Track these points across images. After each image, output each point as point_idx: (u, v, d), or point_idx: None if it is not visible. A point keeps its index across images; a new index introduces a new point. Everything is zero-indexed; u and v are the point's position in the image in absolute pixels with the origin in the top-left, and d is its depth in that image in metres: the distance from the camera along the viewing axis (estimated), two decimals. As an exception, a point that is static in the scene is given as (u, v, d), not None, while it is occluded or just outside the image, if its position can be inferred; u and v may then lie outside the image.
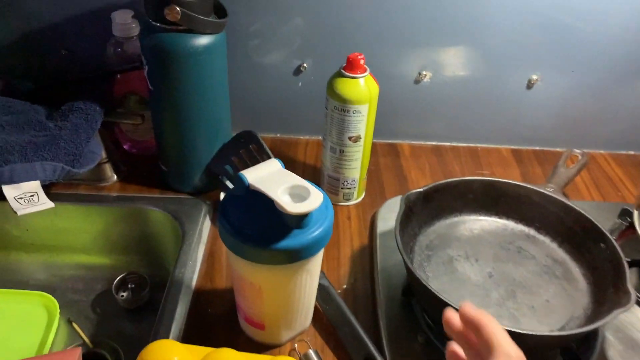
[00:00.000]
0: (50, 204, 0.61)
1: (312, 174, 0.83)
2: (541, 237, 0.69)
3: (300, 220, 0.49)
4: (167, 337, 0.59)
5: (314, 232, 0.50)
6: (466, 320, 0.43)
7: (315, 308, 0.62)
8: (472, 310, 0.43)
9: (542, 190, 0.68)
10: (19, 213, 0.58)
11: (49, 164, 0.64)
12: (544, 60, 0.83)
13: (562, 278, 0.64)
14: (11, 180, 0.60)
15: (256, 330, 0.59)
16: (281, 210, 0.47)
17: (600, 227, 0.62)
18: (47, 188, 0.74)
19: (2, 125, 0.67)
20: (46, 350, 0.69)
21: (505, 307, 0.60)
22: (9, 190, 0.60)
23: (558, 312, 0.60)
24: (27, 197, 0.61)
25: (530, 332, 0.52)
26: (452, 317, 0.46)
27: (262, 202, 0.49)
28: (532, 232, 0.70)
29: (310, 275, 0.55)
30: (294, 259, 0.50)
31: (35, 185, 0.61)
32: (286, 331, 0.60)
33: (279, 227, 0.49)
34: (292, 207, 0.47)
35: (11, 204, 0.59)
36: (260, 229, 0.49)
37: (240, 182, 0.50)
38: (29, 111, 0.72)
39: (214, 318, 0.63)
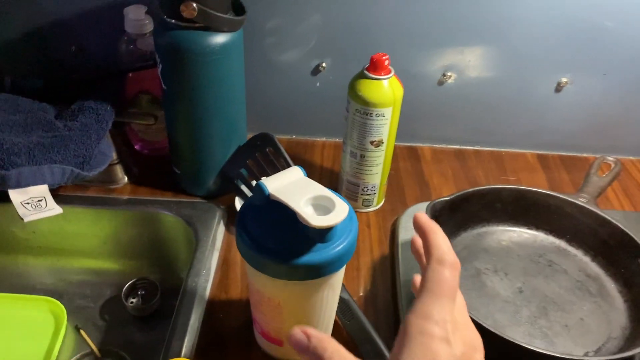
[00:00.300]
0: (58, 210, 0.58)
1: (330, 179, 0.80)
2: (573, 250, 0.66)
3: (324, 234, 0.46)
4: (180, 351, 0.57)
5: (338, 246, 0.46)
6: (417, 227, 0.41)
7: (335, 322, 0.59)
8: (424, 218, 0.41)
9: (575, 201, 0.64)
10: (25, 219, 0.55)
11: (57, 167, 0.61)
12: (574, 63, 0.80)
13: (596, 295, 0.61)
14: (18, 185, 0.57)
15: (273, 346, 0.56)
16: (304, 223, 0.44)
17: (639, 241, 0.59)
18: (56, 190, 0.71)
19: (9, 125, 0.64)
20: (53, 357, 0.66)
21: (537, 326, 0.57)
22: (15, 195, 0.57)
23: (594, 332, 0.57)
24: (35, 202, 0.58)
25: (569, 357, 0.49)
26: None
27: (282, 212, 0.46)
28: (563, 244, 0.66)
29: (333, 291, 0.52)
30: (317, 275, 0.47)
31: (43, 190, 0.59)
32: None
33: (301, 241, 0.46)
34: (315, 220, 0.43)
35: (18, 209, 0.56)
36: (281, 242, 0.46)
37: (260, 191, 0.46)
38: (37, 110, 0.70)
39: (229, 331, 0.60)
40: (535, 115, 0.85)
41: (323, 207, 0.45)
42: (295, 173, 0.49)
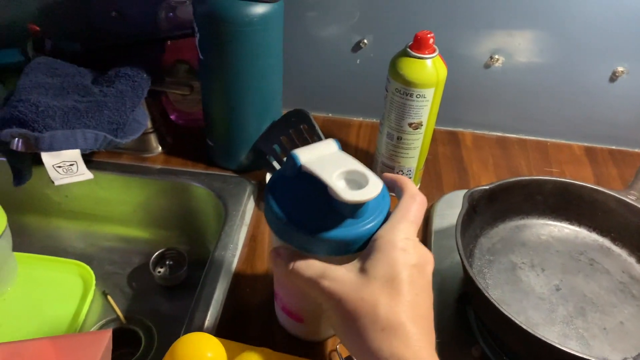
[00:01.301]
0: (89, 175, 0.58)
1: (364, 160, 0.76)
2: (617, 250, 0.62)
3: (355, 210, 0.44)
4: (203, 324, 0.56)
5: (368, 223, 0.44)
6: (387, 181, 0.47)
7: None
8: (391, 174, 0.48)
9: (623, 198, 0.61)
10: (56, 183, 0.55)
11: (90, 132, 0.61)
12: (633, 51, 0.75)
13: (639, 298, 0.57)
14: (51, 148, 0.57)
15: (293, 322, 0.55)
16: (335, 197, 0.42)
17: (691, 245, 0.55)
18: (89, 156, 0.72)
19: (45, 87, 0.64)
20: (80, 321, 0.67)
21: (573, 326, 0.54)
22: (47, 158, 0.57)
23: (634, 337, 0.53)
24: (66, 166, 0.58)
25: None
26: None
27: (314, 185, 0.44)
28: (606, 243, 0.63)
29: None
30: (345, 251, 0.45)
31: (75, 154, 0.58)
32: (326, 328, 0.55)
33: (331, 215, 0.44)
34: (347, 194, 0.41)
35: (49, 172, 0.56)
36: (311, 215, 0.44)
37: (292, 161, 0.44)
38: (74, 74, 0.69)
39: (252, 306, 0.59)
40: (585, 104, 0.81)
41: (356, 182, 0.43)
42: (329, 146, 0.47)
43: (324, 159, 0.45)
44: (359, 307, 0.39)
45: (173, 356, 0.44)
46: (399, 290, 0.39)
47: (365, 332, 0.39)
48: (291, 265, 0.44)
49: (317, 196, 0.44)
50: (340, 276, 0.41)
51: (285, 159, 0.69)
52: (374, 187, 0.42)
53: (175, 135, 0.80)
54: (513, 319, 0.47)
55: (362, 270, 0.41)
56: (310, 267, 0.43)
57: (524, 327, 0.46)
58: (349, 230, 0.44)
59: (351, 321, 0.39)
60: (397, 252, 0.41)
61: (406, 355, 0.37)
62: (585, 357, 0.45)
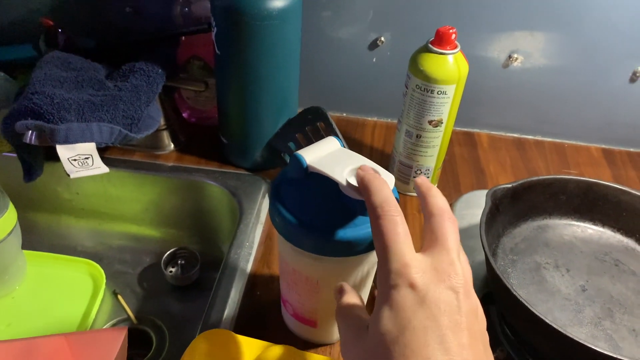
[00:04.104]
0: (105, 169, 0.57)
1: (380, 160, 0.77)
2: (643, 251, 0.61)
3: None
4: (220, 322, 0.55)
5: None
6: (417, 189, 0.39)
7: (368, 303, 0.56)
8: (423, 180, 0.39)
9: (649, 198, 0.59)
10: (72, 176, 0.54)
11: (106, 126, 0.59)
12: (654, 51, 0.74)
13: (668, 300, 0.56)
14: (66, 141, 0.56)
15: (306, 328, 0.53)
16: (348, 194, 0.40)
17: None
18: (101, 152, 0.70)
19: (60, 81, 0.63)
20: (90, 320, 0.66)
21: (602, 328, 0.53)
22: (63, 151, 0.55)
23: (664, 339, 0.52)
24: (82, 159, 0.56)
25: (638, 362, 0.45)
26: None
27: (321, 185, 0.42)
28: (631, 244, 0.61)
29: (372, 268, 0.49)
30: (360, 251, 0.44)
31: (90, 148, 0.57)
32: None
33: (342, 215, 0.42)
34: None
35: (65, 165, 0.55)
36: (322, 216, 0.43)
37: (297, 163, 0.43)
38: (88, 69, 0.68)
39: (269, 306, 0.58)
40: (604, 106, 0.80)
41: None
42: (331, 144, 0.45)
43: (329, 158, 0.43)
44: None
45: (194, 352, 0.43)
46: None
47: None
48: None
49: (326, 197, 0.43)
50: None
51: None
52: (386, 180, 0.40)
53: (187, 133, 0.79)
54: (543, 318, 0.46)
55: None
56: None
57: (556, 327, 0.45)
58: (362, 229, 0.42)
59: None
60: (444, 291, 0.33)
61: None
62: (619, 357, 0.43)
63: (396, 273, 0.32)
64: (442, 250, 0.33)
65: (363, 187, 0.37)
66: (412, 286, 0.32)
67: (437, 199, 0.37)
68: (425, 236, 0.36)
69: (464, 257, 0.35)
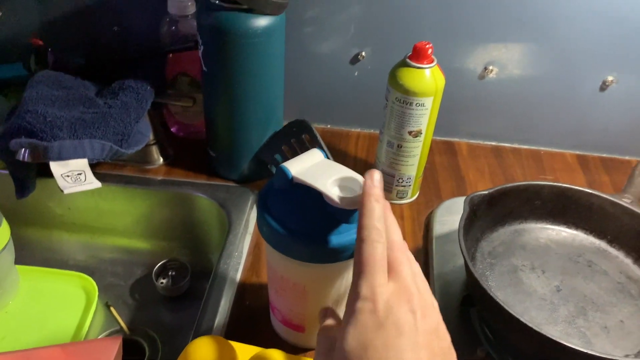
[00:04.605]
0: (97, 184, 0.59)
1: (364, 169, 0.78)
2: (614, 252, 0.64)
3: (351, 214, 0.45)
4: (211, 331, 0.57)
5: None
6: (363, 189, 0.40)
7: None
8: (372, 183, 0.40)
9: (618, 201, 0.62)
10: (65, 191, 0.56)
11: (97, 142, 0.61)
12: (622, 61, 0.77)
13: (638, 297, 0.59)
14: (59, 157, 0.58)
15: (294, 333, 0.55)
16: (332, 204, 0.43)
17: (686, 245, 0.57)
18: (92, 167, 0.72)
19: (51, 99, 0.65)
20: (83, 332, 0.67)
21: (575, 326, 0.55)
22: (56, 168, 0.57)
23: (634, 334, 0.55)
24: (75, 175, 0.58)
25: (607, 357, 0.47)
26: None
27: (305, 195, 0.45)
28: (603, 245, 0.64)
29: None
30: (345, 257, 0.46)
31: (82, 164, 0.59)
32: None
33: (327, 223, 0.45)
34: (344, 200, 0.43)
35: (58, 181, 0.57)
36: (307, 224, 0.45)
37: (282, 174, 0.45)
38: (78, 87, 0.70)
39: (258, 314, 0.60)
40: (577, 114, 0.83)
41: (349, 188, 0.44)
42: (315, 155, 0.48)
43: (313, 169, 0.46)
44: None
45: (187, 359, 0.45)
46: None
47: None
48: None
49: (311, 206, 0.45)
50: None
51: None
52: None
53: (176, 147, 0.81)
54: (519, 317, 0.48)
55: None
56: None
57: (530, 325, 0.47)
58: (347, 235, 0.45)
59: None
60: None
61: None
62: (590, 352, 0.46)
63: (364, 298, 0.35)
64: (400, 278, 0.37)
65: (361, 202, 0.39)
66: (375, 309, 0.35)
67: (391, 234, 0.39)
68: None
69: (422, 283, 0.38)
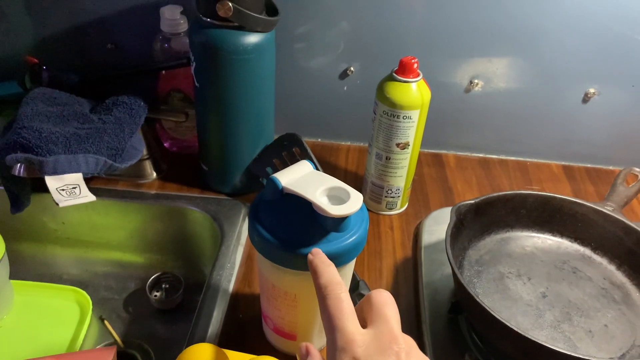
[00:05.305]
0: (92, 197, 0.60)
1: (354, 182, 0.81)
2: (598, 258, 0.65)
3: (339, 223, 0.46)
4: (204, 340, 0.57)
5: (352, 235, 0.47)
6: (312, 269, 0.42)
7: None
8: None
9: (601, 209, 0.64)
10: (60, 204, 0.57)
11: (92, 157, 0.63)
12: (602, 74, 0.80)
13: (621, 302, 0.60)
14: (54, 172, 0.59)
15: (286, 342, 0.57)
16: (322, 213, 0.44)
17: (666, 250, 0.58)
18: (87, 182, 0.73)
19: (46, 115, 0.66)
20: (77, 346, 0.68)
21: (561, 330, 0.57)
22: (51, 182, 0.58)
23: (618, 338, 0.56)
24: (69, 189, 0.59)
25: (591, 358, 0.48)
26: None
27: (295, 206, 0.46)
28: (587, 252, 0.66)
29: (346, 280, 0.53)
30: (335, 264, 0.47)
31: (77, 178, 0.60)
32: (318, 340, 0.57)
33: (317, 231, 0.47)
34: (333, 209, 0.44)
35: (53, 195, 0.58)
36: (297, 233, 0.47)
37: (273, 185, 0.47)
38: (73, 103, 0.72)
39: (251, 323, 0.61)
40: (561, 126, 0.85)
41: (337, 198, 0.46)
42: (304, 167, 0.50)
43: (303, 180, 0.48)
44: None
45: (180, 366, 0.46)
46: None
47: None
48: None
49: (301, 216, 0.47)
50: None
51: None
52: (356, 200, 0.45)
53: (169, 161, 0.82)
54: (505, 322, 0.49)
55: None
56: None
57: (517, 330, 0.49)
58: (336, 244, 0.46)
59: None
60: None
61: None
62: (575, 355, 0.47)
63: (341, 349, 0.35)
64: (383, 323, 0.37)
65: (312, 270, 0.41)
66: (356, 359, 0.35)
67: (378, 295, 0.39)
68: (367, 315, 0.38)
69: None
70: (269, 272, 0.50)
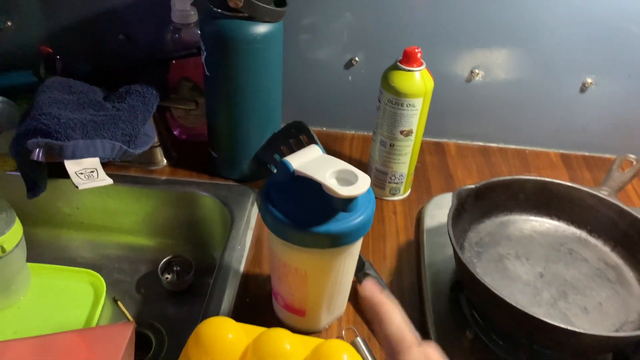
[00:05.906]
0: (109, 180, 0.63)
1: (358, 168, 0.83)
2: (593, 241, 0.68)
3: (348, 204, 0.49)
4: (217, 314, 0.60)
5: (360, 215, 0.50)
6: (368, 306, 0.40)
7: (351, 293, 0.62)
8: (373, 293, 0.39)
9: (596, 193, 0.67)
10: (80, 187, 0.59)
11: (108, 142, 0.65)
12: (599, 64, 0.82)
13: (615, 282, 0.63)
14: (73, 156, 0.62)
15: (296, 317, 0.59)
16: (331, 194, 0.47)
17: (658, 232, 0.61)
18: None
19: (64, 103, 0.69)
20: (93, 326, 0.70)
21: (557, 307, 0.60)
22: (71, 166, 0.61)
23: (612, 315, 0.59)
24: (88, 172, 0.62)
25: (586, 332, 0.51)
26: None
27: (306, 187, 0.49)
28: (583, 234, 0.69)
29: (353, 259, 0.56)
30: (342, 243, 0.50)
31: (95, 162, 0.63)
32: (326, 316, 0.60)
33: (326, 211, 0.49)
34: (342, 190, 0.47)
35: (73, 179, 0.60)
36: (307, 213, 0.49)
37: (284, 168, 0.50)
38: (88, 91, 0.74)
39: (261, 302, 0.64)
40: (559, 115, 0.88)
41: (346, 180, 0.49)
42: (314, 151, 0.53)
43: (313, 163, 0.51)
44: None
45: (198, 337, 0.48)
46: None
47: None
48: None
49: (309, 196, 0.50)
50: None
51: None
52: (364, 182, 0.48)
53: (179, 149, 0.85)
54: (507, 299, 0.52)
55: None
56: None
57: (515, 305, 0.51)
58: (345, 223, 0.49)
59: None
60: None
61: None
62: (571, 328, 0.50)
63: None
64: None
65: (373, 311, 0.39)
66: None
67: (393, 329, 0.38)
68: None
69: None
70: (281, 250, 0.53)
